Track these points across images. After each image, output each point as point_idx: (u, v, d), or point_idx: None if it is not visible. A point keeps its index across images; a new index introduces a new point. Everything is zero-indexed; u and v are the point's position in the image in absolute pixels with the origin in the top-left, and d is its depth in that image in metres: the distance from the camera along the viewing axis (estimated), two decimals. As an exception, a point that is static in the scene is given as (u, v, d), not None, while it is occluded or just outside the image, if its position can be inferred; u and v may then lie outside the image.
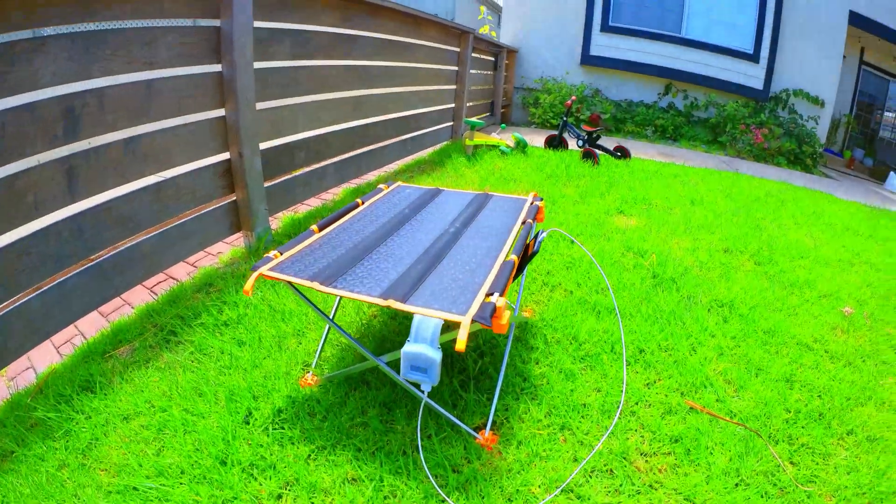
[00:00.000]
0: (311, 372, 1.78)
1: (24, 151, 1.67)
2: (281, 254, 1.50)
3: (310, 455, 1.49)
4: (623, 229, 3.27)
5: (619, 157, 5.28)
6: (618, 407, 1.72)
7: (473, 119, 5.02)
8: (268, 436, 1.56)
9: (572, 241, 2.91)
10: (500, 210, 1.94)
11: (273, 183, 2.83)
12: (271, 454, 1.49)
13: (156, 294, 2.44)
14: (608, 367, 1.91)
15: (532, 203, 1.97)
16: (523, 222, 1.78)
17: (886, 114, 9.73)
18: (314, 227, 1.69)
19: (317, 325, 2.05)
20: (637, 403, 1.74)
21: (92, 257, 1.98)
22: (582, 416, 1.65)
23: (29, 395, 1.82)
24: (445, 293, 1.29)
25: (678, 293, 2.53)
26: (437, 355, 1.14)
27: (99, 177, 1.95)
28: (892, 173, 7.63)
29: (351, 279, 1.37)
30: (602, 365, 1.91)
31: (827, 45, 7.52)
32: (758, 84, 7.78)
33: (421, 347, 1.14)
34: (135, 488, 1.42)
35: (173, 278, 2.59)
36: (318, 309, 1.47)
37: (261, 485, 1.40)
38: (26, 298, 1.77)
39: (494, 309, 1.19)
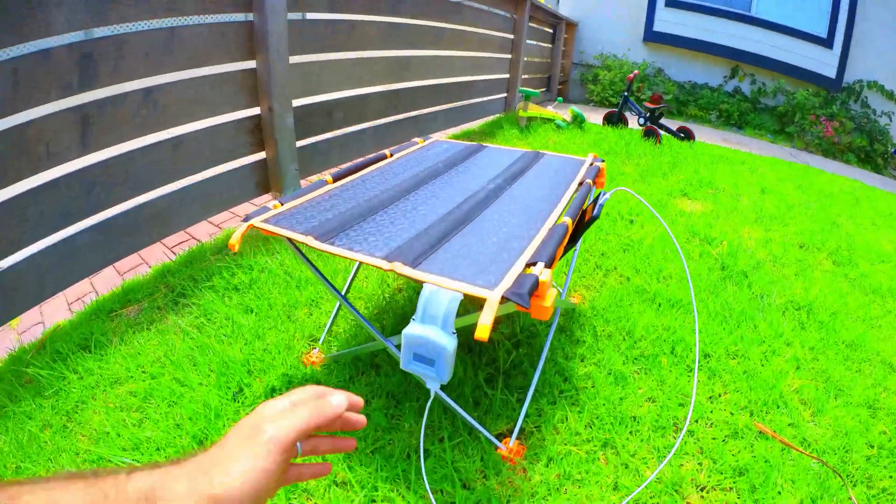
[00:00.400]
0: (317, 348, 1.50)
1: (36, 99, 1.48)
2: (281, 204, 1.21)
3: (300, 449, 1.22)
4: (688, 213, 2.84)
5: (683, 139, 4.74)
6: (678, 427, 1.35)
7: (529, 89, 4.59)
8: None
9: (631, 222, 2.51)
10: (553, 169, 1.58)
11: (305, 143, 2.56)
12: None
13: (175, 253, 2.23)
14: (666, 372, 1.54)
15: (592, 164, 1.60)
16: (580, 183, 1.42)
17: None
18: (328, 177, 1.39)
19: (334, 296, 1.77)
20: (697, 421, 1.37)
21: (104, 212, 1.77)
22: (630, 432, 1.30)
23: (31, 350, 1.68)
24: (470, 259, 0.95)
25: (749, 290, 2.11)
26: (448, 342, 0.79)
27: (115, 128, 1.73)
28: None
29: (355, 235, 1.05)
30: (659, 369, 1.55)
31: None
32: (830, 72, 6.91)
33: (427, 330, 0.79)
34: (109, 460, 1.22)
35: (195, 238, 2.38)
36: (317, 270, 1.17)
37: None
38: (37, 250, 1.60)
39: (536, 284, 0.83)
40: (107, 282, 2.11)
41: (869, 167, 6.33)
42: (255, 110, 2.29)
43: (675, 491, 1.17)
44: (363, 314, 1.38)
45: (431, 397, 0.92)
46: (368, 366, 1.43)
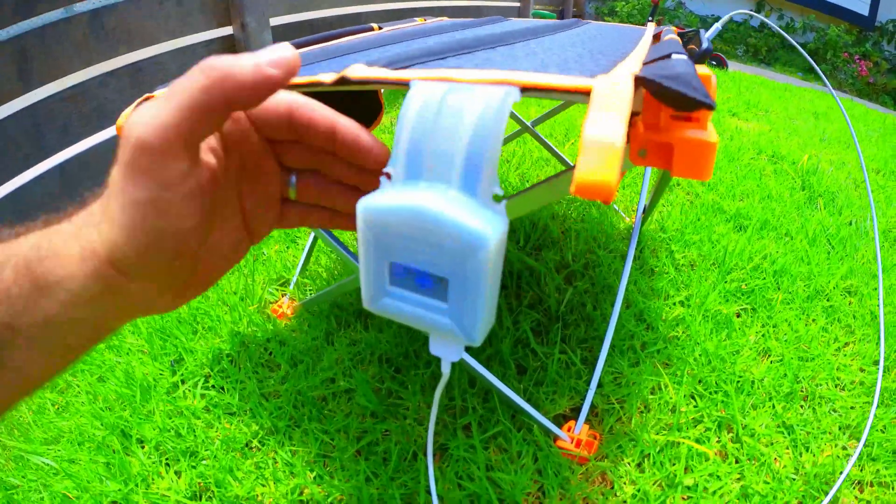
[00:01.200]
0: (286, 294, 1.00)
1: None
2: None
3: (249, 444, 0.73)
4: (745, 131, 2.24)
5: (715, 66, 4.05)
6: (807, 394, 0.83)
7: (543, 11, 3.89)
8: (196, 397, 0.81)
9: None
10: (611, 28, 1.01)
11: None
12: (193, 433, 0.75)
13: None
14: (778, 312, 1.01)
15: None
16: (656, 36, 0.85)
17: None
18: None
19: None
20: (818, 382, 0.85)
21: (56, 155, 1.26)
22: (752, 405, 0.79)
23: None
24: (539, 59, 0.38)
25: (840, 216, 1.54)
26: (490, 228, 0.20)
27: (56, 60, 1.20)
28: None
29: (346, 59, 0.50)
30: (768, 307, 1.02)
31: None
32: (863, 9, 6.02)
33: (430, 198, 0.21)
34: (29, 460, 0.76)
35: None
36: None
37: (167, 486, 0.66)
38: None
39: (695, 73, 0.27)
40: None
41: (907, 110, 5.55)
42: (228, 30, 1.75)
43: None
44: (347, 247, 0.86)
45: (445, 373, 0.34)
46: (354, 316, 0.93)
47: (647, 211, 1.18)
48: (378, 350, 0.84)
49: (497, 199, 0.21)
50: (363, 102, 1.07)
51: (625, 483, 0.66)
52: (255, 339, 0.92)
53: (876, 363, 0.93)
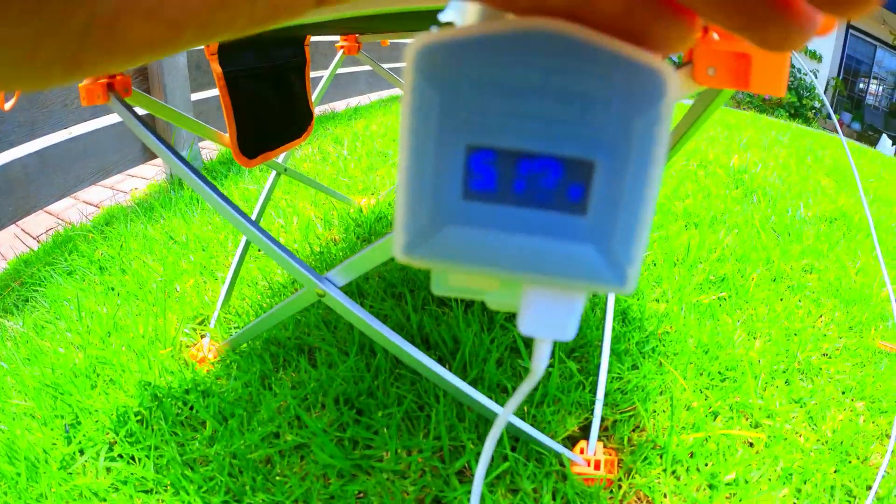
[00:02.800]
0: (206, 335, 0.81)
1: None
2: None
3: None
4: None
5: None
6: (801, 368, 0.78)
7: None
8: (99, 471, 0.61)
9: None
10: None
11: (205, 95, 1.84)
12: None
13: (39, 243, 1.46)
14: (752, 295, 0.97)
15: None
16: None
17: (873, 79, 8.80)
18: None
19: (237, 227, 1.07)
20: (809, 354, 0.82)
21: None
22: (764, 387, 0.71)
23: None
24: None
25: (776, 206, 1.61)
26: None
27: None
28: (884, 136, 6.94)
29: None
30: (743, 292, 0.97)
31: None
32: None
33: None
34: None
35: (64, 221, 1.60)
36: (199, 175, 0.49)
37: None
38: None
39: None
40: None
41: (800, 121, 6.25)
42: None
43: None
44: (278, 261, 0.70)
45: (540, 368, 0.16)
46: (295, 352, 0.75)
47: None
48: (332, 390, 0.67)
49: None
50: (297, 113, 0.94)
51: (665, 496, 0.54)
52: (171, 392, 0.72)
53: (851, 329, 0.95)
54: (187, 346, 0.80)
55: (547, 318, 0.13)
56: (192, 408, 0.70)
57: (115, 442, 0.66)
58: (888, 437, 0.69)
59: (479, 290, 0.15)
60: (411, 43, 0.12)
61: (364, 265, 0.47)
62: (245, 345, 0.76)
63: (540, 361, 0.15)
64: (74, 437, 0.67)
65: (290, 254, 0.52)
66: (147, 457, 0.64)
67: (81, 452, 0.65)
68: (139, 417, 0.70)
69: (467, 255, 0.12)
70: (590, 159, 0.11)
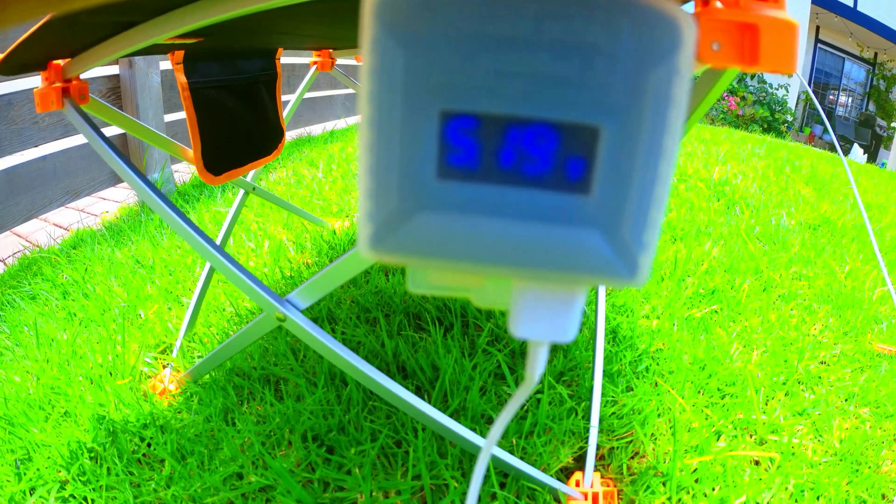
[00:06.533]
0: (169, 365, 0.75)
1: None
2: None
3: None
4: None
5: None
6: (800, 378, 0.74)
7: None
8: None
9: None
10: None
11: (179, 117, 1.80)
12: None
13: (6, 265, 1.38)
14: (744, 306, 0.93)
15: None
16: None
17: (842, 91, 9.10)
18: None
19: (201, 252, 1.00)
20: (807, 363, 0.78)
21: None
22: (766, 401, 0.68)
23: None
24: None
25: (758, 216, 1.60)
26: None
27: None
28: (855, 145, 7.18)
29: None
30: (735, 304, 0.94)
31: (792, 13, 6.86)
32: None
33: None
34: None
35: (32, 244, 1.53)
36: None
37: None
38: None
39: None
40: None
41: (773, 134, 6.40)
42: (114, 68, 1.55)
43: None
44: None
45: (536, 374, 0.14)
46: (260, 383, 0.68)
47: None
48: (299, 426, 0.60)
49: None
50: (267, 127, 0.89)
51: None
52: (127, 427, 0.65)
53: (846, 334, 0.92)
54: (148, 377, 0.74)
55: (543, 317, 0.11)
56: (149, 444, 0.63)
57: (67, 481, 0.60)
58: (897, 442, 0.66)
59: (463, 286, 0.12)
60: None
61: (328, 284, 0.42)
62: (208, 376, 0.69)
63: (535, 367, 0.13)
64: (25, 473, 0.61)
65: (248, 274, 0.46)
66: (99, 496, 0.57)
67: (32, 491, 0.59)
68: (93, 454, 0.63)
69: (445, 248, 0.10)
70: (594, 125, 0.09)
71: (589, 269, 0.09)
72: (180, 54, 0.71)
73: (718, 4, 0.25)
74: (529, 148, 0.09)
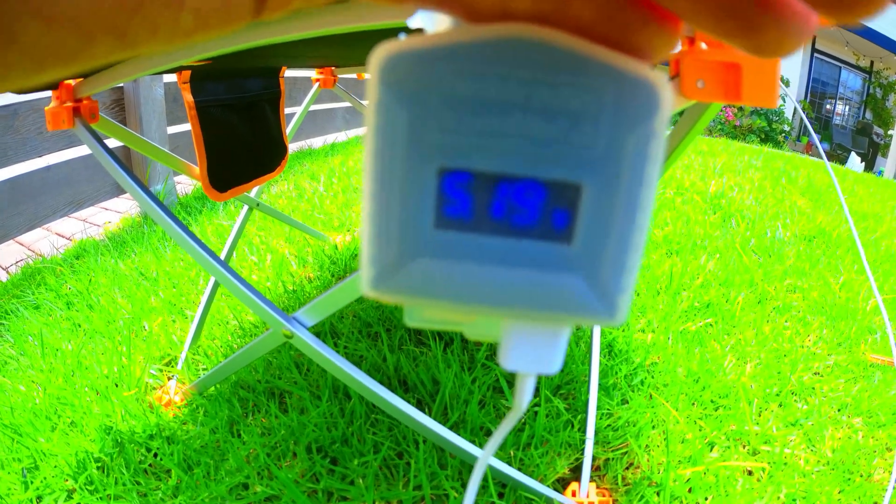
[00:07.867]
0: (174, 377, 0.76)
1: None
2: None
3: None
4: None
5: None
6: (793, 390, 0.76)
7: None
8: None
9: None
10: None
11: (182, 129, 1.82)
12: None
13: (9, 274, 1.40)
14: (739, 319, 0.95)
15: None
16: None
17: (839, 100, 9.18)
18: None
19: (204, 266, 1.01)
20: (800, 375, 0.80)
21: None
22: (760, 413, 0.69)
23: None
24: None
25: (754, 229, 1.62)
26: (658, 74, 0.11)
27: None
28: (852, 153, 7.22)
29: None
30: (730, 317, 0.96)
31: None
32: None
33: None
34: None
35: (35, 252, 1.54)
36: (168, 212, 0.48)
37: None
38: None
39: None
40: None
41: (770, 144, 6.44)
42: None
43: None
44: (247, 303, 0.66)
45: (523, 403, 0.15)
46: (265, 396, 0.70)
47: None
48: (304, 437, 0.62)
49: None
50: (270, 146, 0.92)
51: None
52: (134, 437, 0.67)
53: (840, 345, 0.94)
54: (153, 389, 0.75)
55: (530, 351, 0.12)
56: (155, 455, 0.65)
57: (75, 490, 0.61)
58: (889, 450, 0.68)
59: (456, 322, 0.14)
60: (376, 51, 0.10)
61: (334, 304, 0.44)
62: (213, 388, 0.71)
63: (523, 396, 0.14)
64: (32, 482, 0.62)
65: (256, 292, 0.49)
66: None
67: (39, 500, 0.61)
68: (100, 464, 0.64)
69: (441, 290, 0.11)
70: (576, 182, 0.11)
71: (572, 310, 0.11)
72: (187, 74, 0.73)
73: (703, 45, 0.27)
74: (518, 201, 0.11)
